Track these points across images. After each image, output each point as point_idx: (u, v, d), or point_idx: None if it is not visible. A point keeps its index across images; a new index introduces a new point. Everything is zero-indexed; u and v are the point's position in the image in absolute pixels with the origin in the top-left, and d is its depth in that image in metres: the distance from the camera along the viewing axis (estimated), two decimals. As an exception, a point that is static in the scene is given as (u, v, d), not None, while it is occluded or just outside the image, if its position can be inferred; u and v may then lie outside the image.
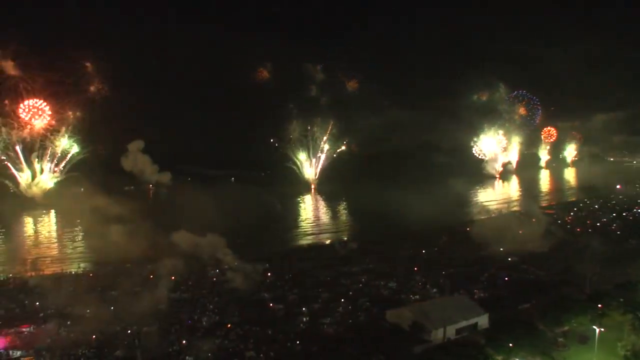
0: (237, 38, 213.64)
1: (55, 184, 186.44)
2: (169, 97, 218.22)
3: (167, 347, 75.38)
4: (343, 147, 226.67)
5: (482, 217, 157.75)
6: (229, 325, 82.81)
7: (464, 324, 78.22)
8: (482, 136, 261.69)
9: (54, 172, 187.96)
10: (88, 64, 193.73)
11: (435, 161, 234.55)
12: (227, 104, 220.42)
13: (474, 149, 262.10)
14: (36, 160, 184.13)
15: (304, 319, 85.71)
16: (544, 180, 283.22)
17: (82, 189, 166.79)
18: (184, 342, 76.87)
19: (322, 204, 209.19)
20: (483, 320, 79.77)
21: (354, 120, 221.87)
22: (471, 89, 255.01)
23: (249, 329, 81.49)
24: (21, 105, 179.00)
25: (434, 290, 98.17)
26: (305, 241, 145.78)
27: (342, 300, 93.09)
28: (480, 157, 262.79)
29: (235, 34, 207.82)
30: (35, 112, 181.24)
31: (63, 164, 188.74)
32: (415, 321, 76.75)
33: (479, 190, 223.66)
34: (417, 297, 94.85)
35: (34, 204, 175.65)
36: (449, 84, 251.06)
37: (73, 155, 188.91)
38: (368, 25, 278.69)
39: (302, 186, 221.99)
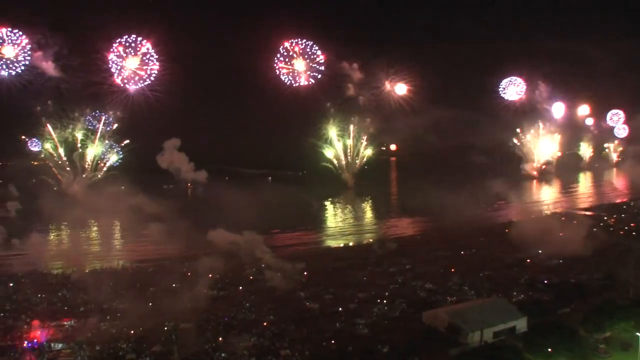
0: (276, 36, 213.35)
1: (96, 182, 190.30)
2: (206, 96, 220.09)
3: (203, 344, 76.16)
4: (381, 147, 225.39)
5: (522, 219, 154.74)
6: (264, 324, 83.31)
7: (501, 327, 76.98)
8: (521, 136, 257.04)
9: (95, 170, 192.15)
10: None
11: (474, 161, 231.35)
12: (265, 102, 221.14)
13: (513, 148, 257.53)
14: (77, 159, 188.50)
15: (340, 319, 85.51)
16: (586, 180, 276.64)
17: (122, 187, 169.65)
18: (220, 339, 77.63)
19: (359, 204, 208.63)
20: (521, 324, 78.33)
21: (392, 120, 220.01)
22: (511, 87, 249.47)
23: (285, 328, 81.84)
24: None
25: (472, 292, 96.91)
26: (342, 241, 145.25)
27: (378, 300, 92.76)
28: (519, 157, 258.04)
29: (272, 32, 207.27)
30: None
31: (103, 163, 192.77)
32: (452, 323, 75.95)
33: (518, 191, 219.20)
34: (454, 298, 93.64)
35: (75, 202, 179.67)
36: (488, 82, 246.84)
37: (113, 154, 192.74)
38: (407, 22, 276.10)
39: (340, 186, 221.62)
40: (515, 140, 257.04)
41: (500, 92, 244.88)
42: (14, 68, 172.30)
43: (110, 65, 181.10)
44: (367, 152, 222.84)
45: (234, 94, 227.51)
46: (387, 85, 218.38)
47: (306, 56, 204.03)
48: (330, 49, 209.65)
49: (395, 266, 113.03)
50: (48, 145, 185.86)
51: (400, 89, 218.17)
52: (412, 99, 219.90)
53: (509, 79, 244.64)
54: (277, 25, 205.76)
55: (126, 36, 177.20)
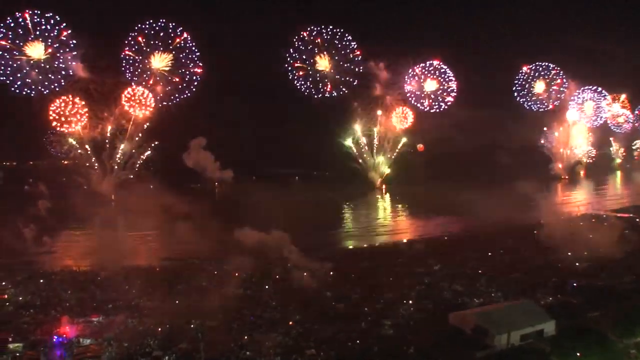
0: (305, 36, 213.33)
1: (125, 181, 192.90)
2: (234, 96, 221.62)
3: (229, 342, 76.61)
4: (408, 143, 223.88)
5: (551, 220, 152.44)
6: (290, 323, 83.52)
7: (529, 330, 75.76)
8: (549, 135, 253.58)
9: (124, 169, 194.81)
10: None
11: (501, 161, 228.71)
12: (292, 101, 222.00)
13: (541, 148, 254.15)
14: (106, 158, 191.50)
15: (366, 319, 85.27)
16: (618, 181, 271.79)
17: (151, 186, 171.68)
18: (245, 337, 78.05)
19: (386, 204, 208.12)
20: (549, 327, 77.05)
21: (419, 120, 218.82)
22: (538, 85, 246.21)
23: (310, 327, 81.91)
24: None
25: (499, 294, 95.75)
26: (369, 241, 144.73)
27: (405, 301, 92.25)
28: (548, 156, 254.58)
29: (301, 32, 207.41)
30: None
31: (132, 161, 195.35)
32: (478, 325, 75.11)
33: (546, 192, 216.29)
34: (481, 300, 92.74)
35: (104, 200, 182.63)
36: (516, 79, 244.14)
37: (142, 154, 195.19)
38: (434, 21, 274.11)
39: (367, 186, 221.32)
40: (543, 140, 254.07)
41: (529, 90, 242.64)
42: (44, 69, 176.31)
43: (138, 65, 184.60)
44: (394, 151, 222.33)
45: (261, 92, 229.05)
46: (415, 84, 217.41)
47: (337, 55, 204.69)
48: (358, 48, 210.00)
49: (423, 267, 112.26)
50: (77, 145, 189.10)
51: (428, 87, 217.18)
52: (439, 98, 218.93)
53: (537, 75, 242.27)
54: (308, 23, 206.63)
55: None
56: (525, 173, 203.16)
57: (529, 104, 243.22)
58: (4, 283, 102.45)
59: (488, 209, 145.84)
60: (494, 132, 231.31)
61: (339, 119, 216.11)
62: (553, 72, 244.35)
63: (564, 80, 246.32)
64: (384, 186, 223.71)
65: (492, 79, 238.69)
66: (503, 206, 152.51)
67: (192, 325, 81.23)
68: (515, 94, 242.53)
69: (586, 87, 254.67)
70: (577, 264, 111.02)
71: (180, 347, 75.16)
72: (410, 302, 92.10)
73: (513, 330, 74.09)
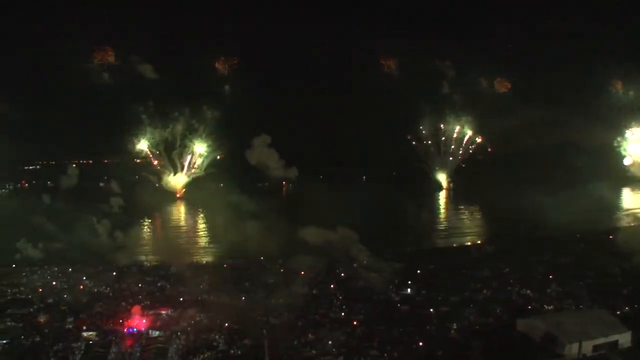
0: (370, 34, 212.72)
1: (194, 179, 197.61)
2: (299, 94, 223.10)
3: (292, 340, 77.29)
4: (477, 142, 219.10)
5: (628, 225, 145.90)
6: (354, 323, 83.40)
7: (602, 340, 72.79)
8: (627, 135, 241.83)
9: (193, 168, 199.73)
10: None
11: (575, 162, 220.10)
12: (357, 101, 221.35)
13: (618, 148, 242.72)
14: (176, 157, 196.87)
15: (431, 322, 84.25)
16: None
17: (221, 185, 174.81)
18: (309, 335, 78.48)
19: (454, 205, 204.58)
20: (625, 339, 73.78)
21: (489, 118, 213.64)
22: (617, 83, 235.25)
23: (374, 328, 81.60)
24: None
25: (570, 301, 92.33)
26: (437, 242, 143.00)
27: (471, 305, 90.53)
28: (624, 157, 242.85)
29: (367, 31, 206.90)
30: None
31: (201, 160, 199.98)
32: (548, 333, 72.81)
33: (624, 195, 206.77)
34: (551, 307, 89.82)
35: (174, 198, 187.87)
36: (591, 77, 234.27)
37: (211, 153, 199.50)
38: (505, 18, 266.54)
39: (434, 186, 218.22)
40: (619, 140, 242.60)
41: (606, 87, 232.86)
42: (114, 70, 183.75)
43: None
44: (462, 151, 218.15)
45: (328, 91, 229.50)
46: (484, 82, 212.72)
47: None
48: (426, 45, 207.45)
49: (491, 270, 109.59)
50: (149, 144, 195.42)
51: (498, 86, 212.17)
52: (509, 96, 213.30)
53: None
54: (374, 20, 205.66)
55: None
56: (600, 175, 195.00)
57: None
58: (79, 275, 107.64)
59: (561, 211, 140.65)
60: (567, 131, 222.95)
61: (405, 118, 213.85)
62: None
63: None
64: (452, 186, 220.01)
65: (567, 75, 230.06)
66: (577, 208, 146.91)
67: (257, 322, 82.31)
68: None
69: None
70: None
71: (244, 342, 76.68)
72: (477, 305, 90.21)
73: (585, 340, 71.40)
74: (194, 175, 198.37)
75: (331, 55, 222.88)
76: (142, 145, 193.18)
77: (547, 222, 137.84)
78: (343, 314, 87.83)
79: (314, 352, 74.22)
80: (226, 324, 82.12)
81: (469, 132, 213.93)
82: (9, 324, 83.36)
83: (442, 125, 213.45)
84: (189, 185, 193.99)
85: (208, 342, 76.98)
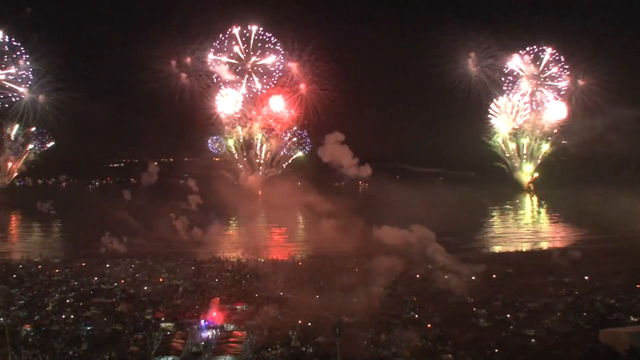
0: (449, 33, 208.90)
1: (273, 178, 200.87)
2: (376, 93, 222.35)
3: (364, 339, 76.86)
4: (558, 147, 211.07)
5: None
6: (428, 325, 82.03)
7: (694, 356, 68.01)
8: None
9: (271, 166, 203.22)
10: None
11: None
12: (435, 100, 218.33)
13: None
14: (254, 156, 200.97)
15: (507, 328, 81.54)
16: None
17: (298, 183, 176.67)
18: (382, 336, 77.81)
19: (535, 207, 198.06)
20: None
21: (571, 118, 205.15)
22: None
23: (449, 331, 79.91)
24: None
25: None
26: (517, 246, 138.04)
27: (550, 312, 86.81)
28: None
29: (445, 30, 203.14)
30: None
31: (279, 159, 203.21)
32: (635, 346, 68.64)
33: None
34: (638, 318, 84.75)
35: (250, 196, 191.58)
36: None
37: (287, 152, 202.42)
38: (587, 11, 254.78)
39: (514, 187, 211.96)
40: None
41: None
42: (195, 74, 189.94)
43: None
44: (542, 152, 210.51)
45: (405, 90, 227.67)
46: (566, 81, 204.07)
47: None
48: (503, 41, 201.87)
49: (572, 276, 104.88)
50: (229, 143, 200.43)
51: (580, 84, 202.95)
52: (592, 95, 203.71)
53: None
54: (445, 19, 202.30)
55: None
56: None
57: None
58: (159, 268, 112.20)
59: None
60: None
61: (482, 117, 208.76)
62: None
63: None
64: (532, 187, 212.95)
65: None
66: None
67: (330, 320, 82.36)
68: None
69: None
70: None
71: (317, 340, 76.96)
72: (557, 313, 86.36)
73: (676, 357, 66.88)
74: (271, 174, 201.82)
75: (406, 53, 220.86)
76: (222, 144, 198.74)
77: (634, 227, 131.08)
78: (417, 315, 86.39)
79: (386, 352, 73.33)
80: (299, 321, 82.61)
81: (550, 133, 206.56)
82: (93, 312, 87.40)
83: (524, 124, 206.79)
84: (265, 184, 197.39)
85: (281, 338, 77.68)
